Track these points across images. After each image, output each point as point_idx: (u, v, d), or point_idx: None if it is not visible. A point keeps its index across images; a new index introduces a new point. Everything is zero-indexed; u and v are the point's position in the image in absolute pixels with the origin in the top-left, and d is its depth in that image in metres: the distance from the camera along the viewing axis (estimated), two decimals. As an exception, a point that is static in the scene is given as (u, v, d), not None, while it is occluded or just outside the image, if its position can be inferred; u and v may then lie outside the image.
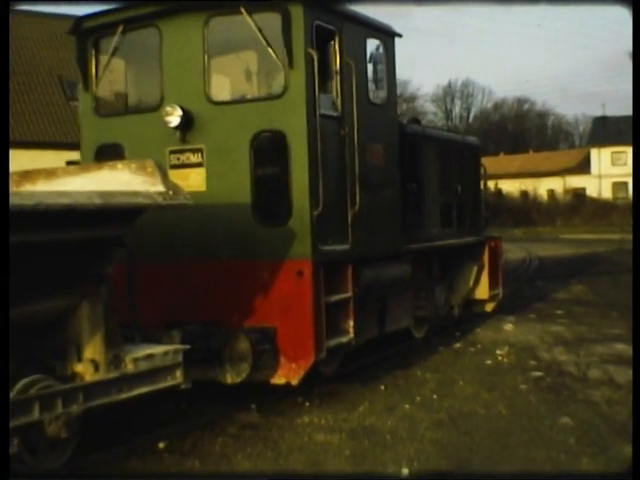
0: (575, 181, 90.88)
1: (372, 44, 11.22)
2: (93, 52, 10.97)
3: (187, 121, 10.07)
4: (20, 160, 28.00)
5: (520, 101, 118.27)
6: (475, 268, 14.96)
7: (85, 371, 7.74)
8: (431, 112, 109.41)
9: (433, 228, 13.34)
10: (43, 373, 7.46)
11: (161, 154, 10.04)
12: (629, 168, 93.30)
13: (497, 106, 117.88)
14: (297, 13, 9.65)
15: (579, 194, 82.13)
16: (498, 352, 12.68)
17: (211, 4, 10.18)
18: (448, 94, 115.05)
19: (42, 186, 8.17)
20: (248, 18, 9.83)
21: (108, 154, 10.39)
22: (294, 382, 9.65)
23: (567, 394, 10.20)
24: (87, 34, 10.92)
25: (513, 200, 76.00)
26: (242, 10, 9.81)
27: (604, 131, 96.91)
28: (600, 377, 11.10)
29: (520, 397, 10.13)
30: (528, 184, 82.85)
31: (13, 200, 6.42)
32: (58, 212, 6.84)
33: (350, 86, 10.45)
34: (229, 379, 9.51)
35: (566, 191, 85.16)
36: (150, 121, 10.44)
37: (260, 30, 9.84)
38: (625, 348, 12.86)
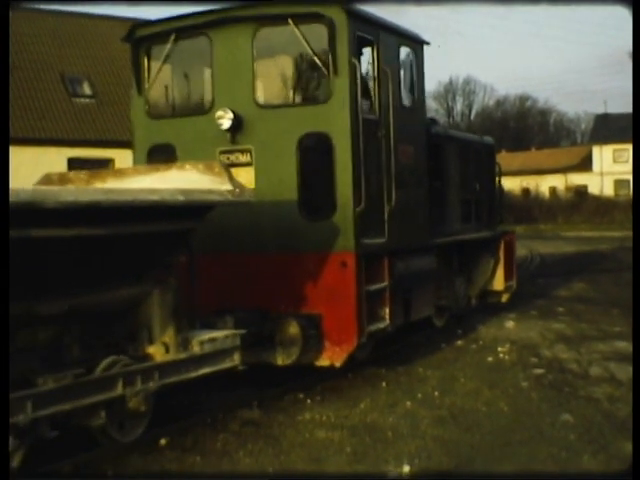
0: (577, 178, 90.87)
1: (404, 51, 12.00)
2: (146, 59, 11.64)
3: (237, 123, 10.73)
4: (21, 157, 28.07)
5: (522, 98, 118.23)
6: (492, 261, 15.83)
7: (157, 352, 8.62)
8: (432, 109, 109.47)
9: (454, 223, 14.19)
10: (118, 355, 8.22)
11: (212, 154, 10.76)
12: (631, 165, 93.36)
13: (499, 103, 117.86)
14: (342, 25, 10.36)
15: (581, 191, 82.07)
16: (499, 349, 12.68)
17: (260, 15, 10.94)
18: (449, 91, 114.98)
19: (112, 184, 8.87)
20: (295, 29, 10.56)
21: (160, 154, 11.23)
22: (337, 364, 10.39)
23: (568, 391, 10.21)
24: (140, 42, 11.62)
25: (515, 197, 75.93)
26: (290, 22, 10.55)
27: (606, 128, 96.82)
28: (601, 374, 11.10)
29: (521, 394, 10.14)
30: (530, 181, 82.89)
31: (109, 196, 7.30)
32: (147, 207, 7.79)
33: (386, 91, 11.19)
34: (280, 361, 10.29)
35: (568, 188, 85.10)
36: (201, 123, 11.14)
37: (306, 40, 10.57)
38: (626, 345, 12.85)
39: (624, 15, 10.91)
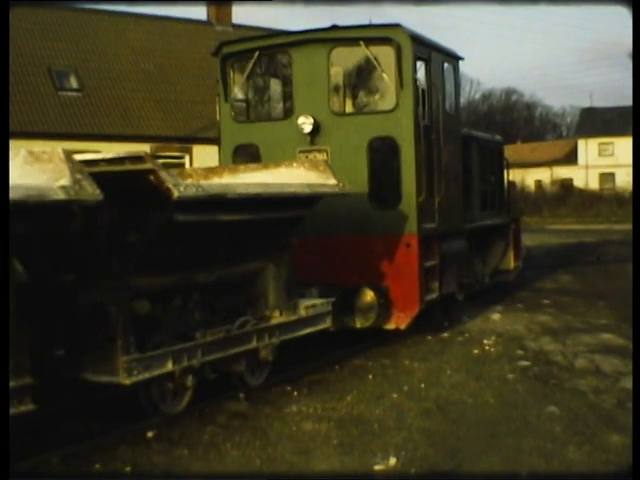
0: (562, 172, 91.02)
1: (446, 66, 14.18)
2: (232, 72, 13.64)
3: (316, 128, 12.79)
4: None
5: (508, 92, 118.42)
6: (503, 244, 18.29)
7: (272, 315, 10.52)
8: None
9: (476, 211, 16.32)
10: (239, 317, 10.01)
11: (291, 153, 12.75)
12: (616, 159, 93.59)
13: (485, 97, 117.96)
14: (406, 47, 12.49)
15: (566, 185, 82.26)
16: (485, 342, 12.73)
17: (335, 38, 13.14)
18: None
19: (228, 179, 10.53)
20: (367, 50, 12.78)
21: (244, 152, 13.45)
22: (402, 327, 12.55)
23: (554, 383, 10.27)
24: (228, 57, 13.58)
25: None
26: (362, 44, 12.72)
27: (591, 122, 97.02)
28: (587, 366, 11.17)
29: (507, 386, 10.19)
30: (516, 175, 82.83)
31: (253, 190, 9.24)
32: (287, 197, 9.98)
33: (436, 101, 13.34)
34: (359, 324, 12.43)
35: (553, 182, 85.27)
36: (282, 127, 13.24)
37: (376, 59, 12.79)
38: (611, 337, 12.94)
39: (624, 15, 11.00)
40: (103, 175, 7.34)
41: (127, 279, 8.17)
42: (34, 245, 7.48)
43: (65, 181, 6.80)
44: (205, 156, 32.35)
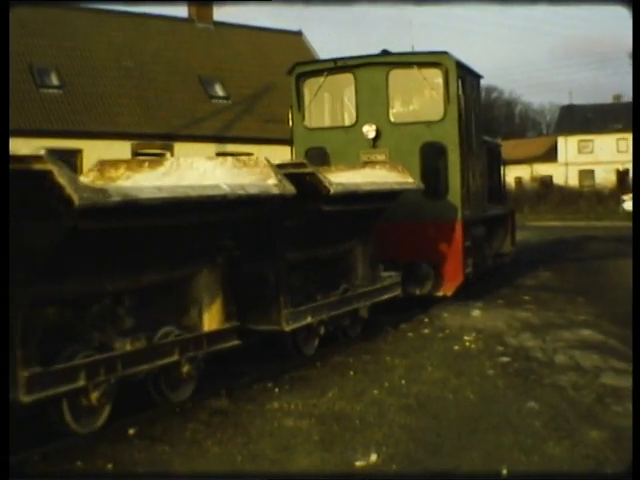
0: (542, 169, 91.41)
1: (474, 84, 17.47)
2: (304, 87, 16.64)
3: (377, 134, 15.82)
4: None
5: (488, 90, 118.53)
6: (503, 231, 21.01)
7: (361, 285, 12.99)
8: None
9: (486, 203, 18.55)
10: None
11: (356, 154, 15.69)
12: (595, 156, 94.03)
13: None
14: (452, 70, 15.59)
15: (546, 182, 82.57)
16: (466, 338, 12.77)
17: (393, 62, 16.31)
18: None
19: (336, 177, 11.80)
20: (419, 72, 15.78)
21: (315, 154, 16.00)
22: (449, 294, 15.69)
23: (534, 379, 10.32)
24: (301, 76, 16.68)
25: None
26: (415, 67, 15.80)
27: (571, 119, 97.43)
28: (566, 362, 11.23)
29: (488, 382, 10.23)
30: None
31: (369, 187, 12.16)
32: (384, 192, 12.88)
33: (470, 112, 16.59)
34: (418, 291, 15.51)
35: (533, 179, 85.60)
36: (347, 133, 16.31)
37: (427, 79, 15.77)
38: (591, 334, 13.02)
39: (623, 13, 11.15)
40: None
41: (284, 252, 10.81)
42: (243, 228, 9.67)
43: (274, 180, 9.35)
44: (187, 153, 32.27)
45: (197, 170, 9.06)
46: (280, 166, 10.13)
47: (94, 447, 7.82)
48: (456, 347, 12.23)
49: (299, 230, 10.88)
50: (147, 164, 9.16)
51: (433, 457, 7.58)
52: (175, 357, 8.96)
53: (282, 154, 28.35)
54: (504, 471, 7.13)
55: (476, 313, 15.01)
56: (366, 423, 8.54)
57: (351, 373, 10.74)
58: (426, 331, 13.50)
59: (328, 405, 9.23)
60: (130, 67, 38.51)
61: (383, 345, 12.47)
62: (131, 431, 8.27)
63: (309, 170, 10.75)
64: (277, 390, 9.92)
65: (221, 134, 38.45)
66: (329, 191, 10.69)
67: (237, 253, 9.92)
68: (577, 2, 58.17)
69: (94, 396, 7.95)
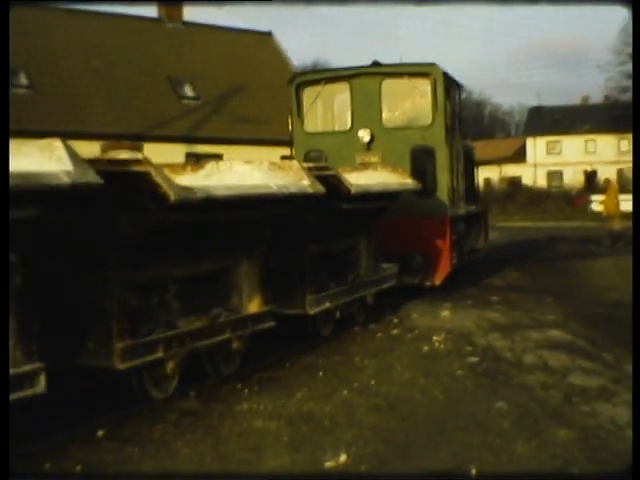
0: (511, 170, 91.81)
1: (456, 93, 18.66)
2: (303, 95, 18.03)
3: (371, 138, 17.22)
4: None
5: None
6: (478, 228, 21.97)
7: (364, 274, 14.09)
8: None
9: (464, 202, 19.36)
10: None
11: (351, 157, 16.92)
12: (563, 157, 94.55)
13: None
14: (439, 80, 16.97)
15: (515, 182, 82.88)
16: (435, 338, 12.81)
17: (385, 72, 17.61)
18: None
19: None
20: (409, 81, 17.27)
21: (313, 156, 17.26)
22: (437, 283, 17.05)
23: (502, 379, 10.37)
24: (300, 85, 18.09)
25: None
26: (406, 77, 17.29)
27: (539, 121, 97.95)
28: (535, 362, 11.28)
29: (456, 382, 10.27)
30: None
31: (375, 188, 13.05)
32: (391, 192, 14.12)
33: (453, 118, 17.90)
34: (409, 281, 16.71)
35: (502, 179, 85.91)
36: (343, 137, 17.71)
37: (417, 88, 17.26)
38: (559, 334, 13.08)
39: (621, 14, 11.26)
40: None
41: (308, 245, 12.01)
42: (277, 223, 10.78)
43: (307, 181, 10.50)
44: (157, 154, 32.15)
45: (237, 172, 9.60)
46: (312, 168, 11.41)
47: (63, 449, 7.78)
48: (425, 347, 12.26)
49: (319, 225, 11.97)
50: (189, 168, 9.48)
51: (402, 457, 7.60)
52: (227, 335, 10.19)
53: (250, 154, 28.30)
54: (473, 471, 7.18)
55: (445, 313, 15.06)
56: (335, 424, 8.55)
57: (320, 374, 10.74)
58: (395, 332, 13.53)
59: (297, 406, 9.23)
60: (99, 67, 38.29)
61: (352, 346, 12.48)
62: (100, 432, 8.23)
63: (332, 172, 11.84)
64: (246, 391, 9.90)
65: (191, 134, 38.30)
66: (350, 191, 11.86)
67: (271, 245, 10.99)
68: (577, 2, 58.29)
69: (170, 366, 9.23)
